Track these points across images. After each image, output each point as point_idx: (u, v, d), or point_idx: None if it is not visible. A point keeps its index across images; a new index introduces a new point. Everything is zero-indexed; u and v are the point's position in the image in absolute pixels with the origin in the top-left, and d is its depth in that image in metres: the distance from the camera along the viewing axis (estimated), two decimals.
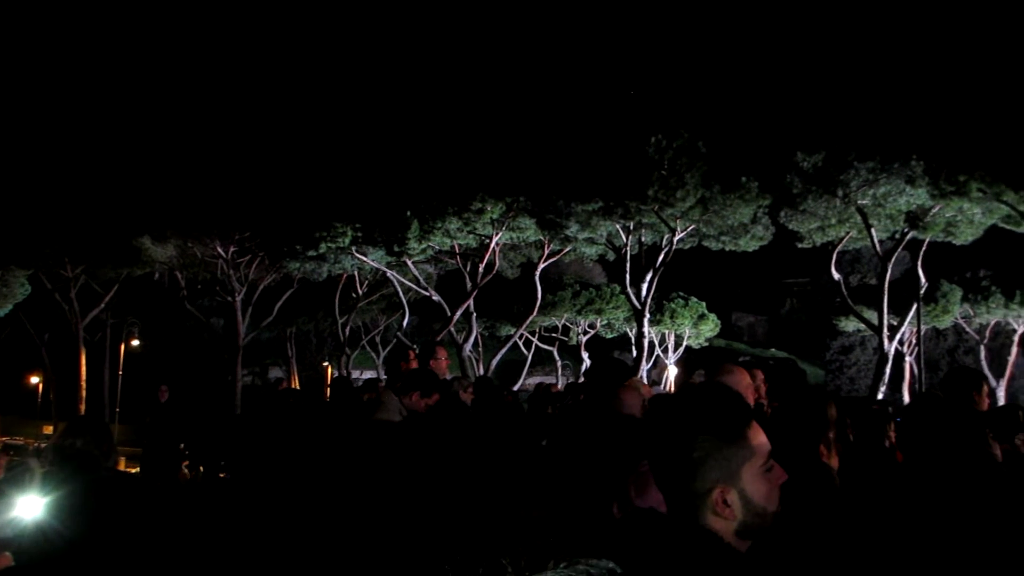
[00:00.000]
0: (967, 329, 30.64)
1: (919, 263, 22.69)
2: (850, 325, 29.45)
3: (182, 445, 12.90)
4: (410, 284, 27.11)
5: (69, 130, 28.66)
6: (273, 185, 25.51)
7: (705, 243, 24.49)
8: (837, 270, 23.68)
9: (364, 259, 25.43)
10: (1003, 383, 28.28)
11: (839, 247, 23.29)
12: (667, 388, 30.39)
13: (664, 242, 23.18)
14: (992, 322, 29.48)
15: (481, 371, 28.71)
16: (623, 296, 26.35)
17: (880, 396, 20.52)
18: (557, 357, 34.30)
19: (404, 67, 40.01)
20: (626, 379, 3.63)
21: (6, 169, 26.41)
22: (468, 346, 26.33)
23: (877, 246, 22.04)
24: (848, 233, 22.57)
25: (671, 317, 30.30)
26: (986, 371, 26.22)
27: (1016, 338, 29.03)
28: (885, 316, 21.77)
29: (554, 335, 32.92)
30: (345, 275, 29.24)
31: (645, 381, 13.00)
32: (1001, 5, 19.17)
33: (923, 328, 24.97)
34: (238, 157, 26.64)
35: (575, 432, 3.63)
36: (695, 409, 1.56)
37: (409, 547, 3.48)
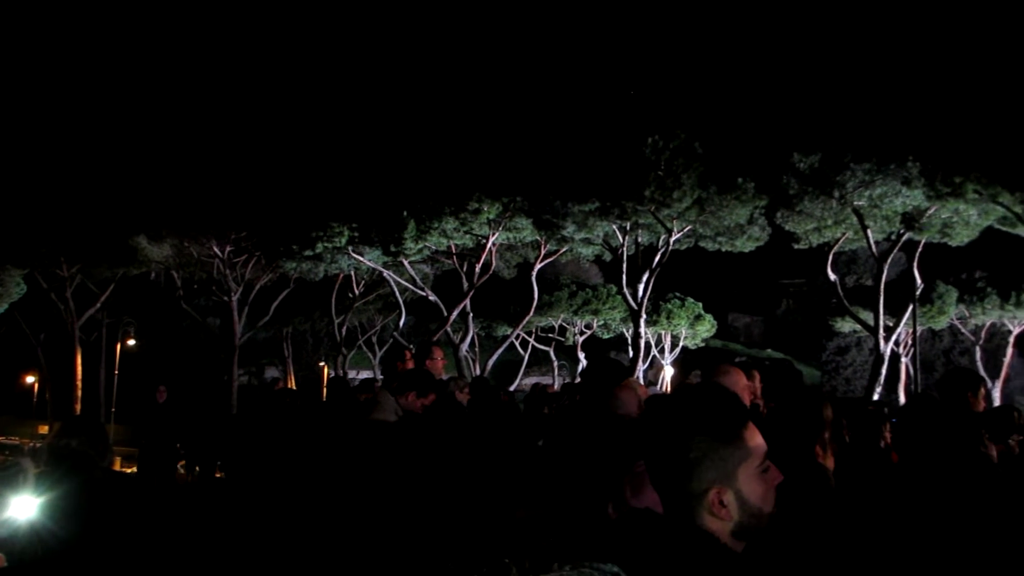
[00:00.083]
0: (963, 330, 30.72)
1: (915, 264, 22.73)
2: (846, 326, 29.51)
3: (178, 445, 12.88)
4: (407, 284, 27.10)
5: (65, 129, 28.61)
6: (270, 185, 25.48)
7: (701, 244, 24.51)
8: (833, 271, 23.72)
9: (360, 259, 25.41)
10: (999, 384, 28.35)
11: (835, 248, 23.32)
12: (663, 388, 30.40)
13: (660, 242, 23.19)
14: (988, 323, 29.56)
15: (477, 371, 28.70)
16: (619, 296, 26.36)
17: (876, 397, 20.55)
18: (553, 357, 34.30)
19: (401, 67, 40.00)
20: (622, 379, 3.63)
21: (1, 168, 26.35)
22: (464, 346, 26.32)
23: (873, 247, 22.07)
24: (844, 234, 22.59)
25: (667, 318, 30.31)
26: (982, 372, 26.25)
27: (1011, 339, 29.10)
28: (881, 317, 21.80)
29: (550, 335, 32.92)
30: (341, 275, 29.21)
31: (641, 381, 13.01)
32: (998, 6, 19.22)
33: (919, 329, 25.02)
34: (235, 157, 26.61)
35: (571, 432, 3.63)
36: (692, 410, 1.56)
37: (407, 547, 3.47)
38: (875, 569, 2.62)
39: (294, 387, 28.53)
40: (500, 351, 28.02)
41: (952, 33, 19.26)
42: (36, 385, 37.88)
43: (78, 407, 29.39)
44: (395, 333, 28.32)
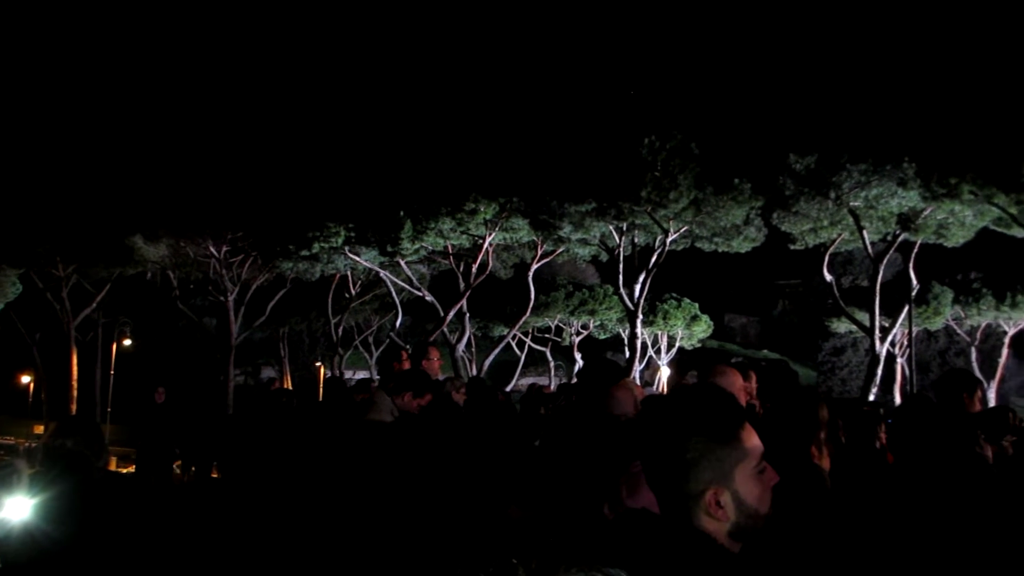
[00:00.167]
0: (958, 331, 30.79)
1: (911, 265, 22.78)
2: (842, 327, 29.56)
3: (175, 446, 12.86)
4: (403, 284, 27.08)
5: (61, 129, 28.55)
6: (266, 185, 25.44)
7: (698, 244, 24.53)
8: (829, 272, 23.76)
9: (357, 259, 25.38)
10: (994, 384, 28.42)
11: (831, 249, 23.37)
12: (660, 389, 30.43)
13: (657, 243, 23.21)
14: (983, 324, 29.63)
15: (474, 372, 28.69)
16: (616, 297, 26.37)
17: (871, 397, 20.58)
18: (550, 358, 34.31)
19: (398, 67, 39.98)
20: (618, 380, 3.63)
21: None
22: (461, 346, 26.31)
23: (869, 248, 22.11)
24: (840, 235, 22.64)
25: (664, 318, 30.33)
26: (977, 373, 26.32)
27: (1007, 340, 29.18)
28: (877, 318, 21.84)
29: (547, 336, 32.92)
30: (338, 275, 29.19)
31: (638, 382, 13.02)
32: (993, 8, 19.27)
33: (914, 330, 25.06)
34: (231, 156, 26.58)
35: (567, 433, 3.62)
36: (689, 410, 1.56)
37: (406, 546, 3.47)
38: (871, 570, 2.62)
39: (290, 387, 28.49)
40: (496, 351, 28.02)
41: (948, 34, 19.31)
42: (32, 385, 37.80)
43: (74, 407, 29.33)
44: (391, 333, 28.30)
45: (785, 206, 21.10)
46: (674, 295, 30.80)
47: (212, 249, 27.15)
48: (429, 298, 26.50)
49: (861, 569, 2.59)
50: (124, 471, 16.34)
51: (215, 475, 12.24)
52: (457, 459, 4.25)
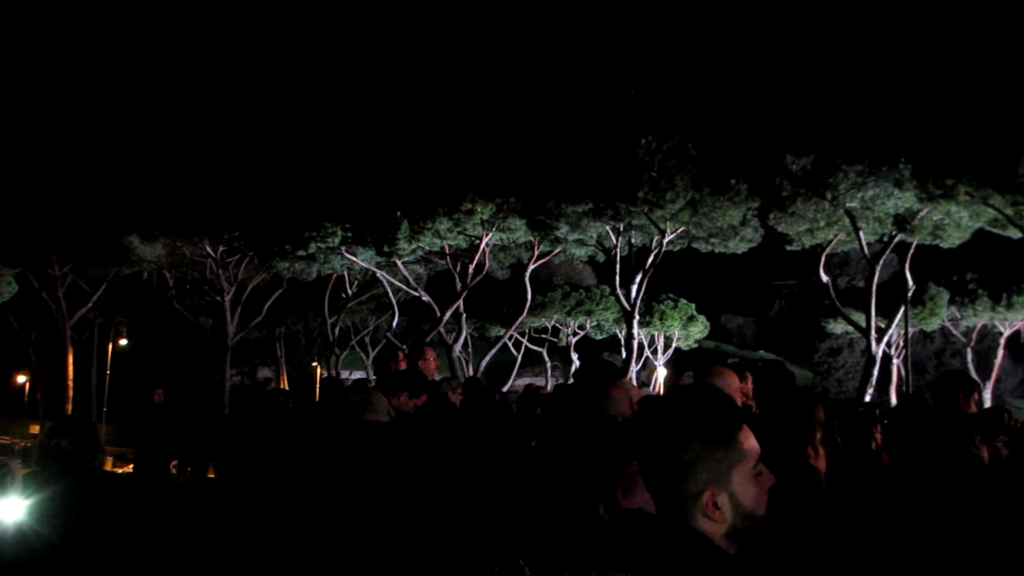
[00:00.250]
0: (954, 332, 30.83)
1: (907, 266, 22.82)
2: (838, 327, 29.58)
3: (172, 446, 12.84)
4: (400, 284, 27.06)
5: (58, 128, 28.50)
6: (263, 184, 25.43)
7: (695, 245, 24.55)
8: (825, 272, 23.79)
9: (354, 259, 25.35)
10: (989, 385, 28.46)
11: (828, 249, 23.40)
12: (656, 390, 30.44)
13: (654, 244, 23.22)
14: (979, 325, 29.67)
15: (470, 372, 28.69)
16: (613, 297, 26.37)
17: (868, 398, 20.61)
18: (546, 358, 34.31)
19: (395, 67, 39.96)
20: (615, 380, 3.62)
21: None
22: (458, 347, 26.30)
23: (865, 249, 22.15)
24: (836, 236, 22.67)
25: (660, 319, 30.34)
26: (973, 374, 26.37)
27: (1002, 341, 29.23)
28: (873, 318, 21.88)
29: (544, 336, 32.92)
30: (335, 275, 29.15)
31: (634, 382, 13.02)
32: (990, 10, 19.32)
33: (910, 331, 25.10)
34: (228, 156, 26.56)
35: (563, 433, 3.62)
36: (686, 411, 1.56)
37: (405, 546, 3.46)
38: (867, 570, 2.62)
39: (287, 387, 28.48)
40: (493, 352, 28.00)
41: (944, 36, 19.36)
42: (27, 385, 37.69)
43: (69, 407, 29.28)
44: (388, 333, 28.28)
45: (781, 207, 21.13)
46: (671, 296, 30.81)
47: (208, 249, 27.11)
48: (426, 298, 26.48)
49: (857, 570, 2.59)
50: (120, 471, 16.29)
51: (211, 475, 12.22)
52: (453, 460, 4.24)
